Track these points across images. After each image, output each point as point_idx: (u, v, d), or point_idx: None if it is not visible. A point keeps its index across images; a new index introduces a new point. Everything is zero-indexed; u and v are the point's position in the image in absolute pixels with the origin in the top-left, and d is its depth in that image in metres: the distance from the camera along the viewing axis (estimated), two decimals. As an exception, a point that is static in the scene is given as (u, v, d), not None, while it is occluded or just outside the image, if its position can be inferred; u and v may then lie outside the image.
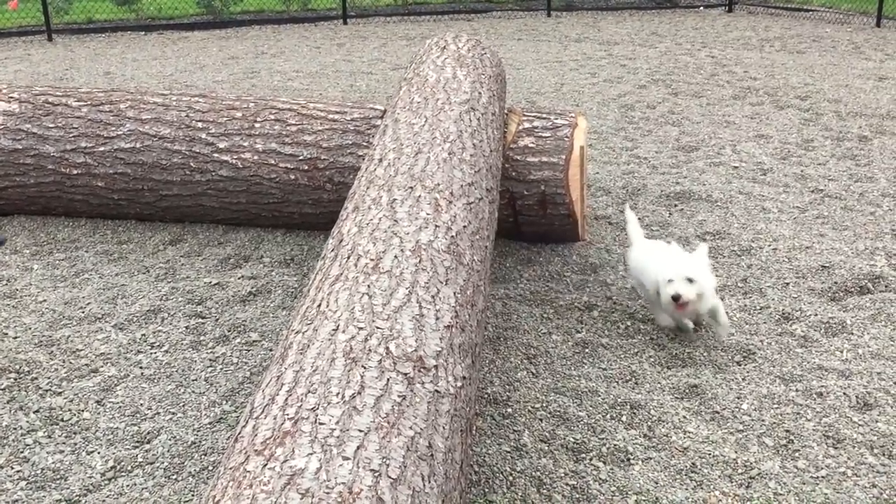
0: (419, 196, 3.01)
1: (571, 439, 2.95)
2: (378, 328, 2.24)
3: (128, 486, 2.70)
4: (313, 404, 1.95)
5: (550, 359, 3.48)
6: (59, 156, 4.60)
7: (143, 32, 12.23)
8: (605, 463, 2.83)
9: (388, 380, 2.07)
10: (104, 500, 2.63)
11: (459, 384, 2.26)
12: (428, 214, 2.90)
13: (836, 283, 4.08)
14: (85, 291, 4.04)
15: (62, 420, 3.05)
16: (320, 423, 1.89)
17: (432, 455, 1.95)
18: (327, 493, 1.69)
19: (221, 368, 3.40)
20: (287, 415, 1.94)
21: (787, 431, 2.95)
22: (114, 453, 2.86)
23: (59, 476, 2.75)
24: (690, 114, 7.44)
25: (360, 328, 2.24)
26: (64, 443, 2.91)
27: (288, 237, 4.67)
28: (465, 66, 4.44)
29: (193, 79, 8.98)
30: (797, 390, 3.22)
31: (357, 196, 3.12)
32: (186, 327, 3.72)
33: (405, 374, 2.11)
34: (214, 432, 2.98)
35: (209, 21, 13.19)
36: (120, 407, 3.13)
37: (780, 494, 2.63)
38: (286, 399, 2.00)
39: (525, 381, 3.31)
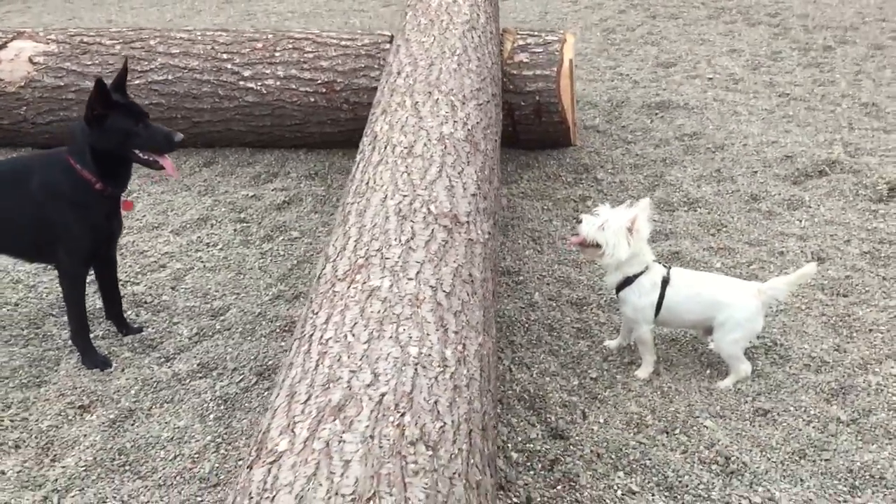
0: (437, 99, 3.54)
1: (574, 296, 3.54)
2: (419, 195, 2.80)
3: (212, 346, 3.28)
4: (378, 247, 2.51)
5: (552, 240, 4.06)
6: (99, 90, 5.06)
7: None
8: (603, 311, 3.42)
9: (432, 230, 2.63)
10: (195, 356, 3.21)
11: (486, 236, 2.83)
12: (447, 113, 3.43)
13: (797, 169, 4.65)
14: (137, 207, 4.55)
15: (146, 303, 3.61)
16: (386, 258, 2.45)
17: (472, 281, 2.52)
18: (399, 300, 2.26)
19: (271, 259, 3.96)
20: (358, 255, 2.50)
21: (755, 278, 3.55)
22: (196, 323, 3.43)
23: (155, 343, 3.32)
24: (668, 34, 7.92)
25: (405, 195, 2.79)
26: (154, 319, 3.48)
27: (310, 155, 5.18)
28: (463, -9, 4.91)
29: (193, 23, 9.34)
30: (763, 251, 3.81)
31: (383, 102, 3.64)
32: (234, 230, 4.26)
33: (445, 226, 2.67)
34: (275, 306, 3.55)
35: (196, -32, 13.39)
36: (192, 291, 3.69)
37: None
38: (355, 246, 2.56)
39: (532, 256, 3.89)
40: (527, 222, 4.22)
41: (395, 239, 2.55)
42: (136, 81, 5.04)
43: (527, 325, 3.34)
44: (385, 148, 3.16)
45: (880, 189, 4.32)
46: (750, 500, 2.43)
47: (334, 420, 1.84)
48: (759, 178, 4.59)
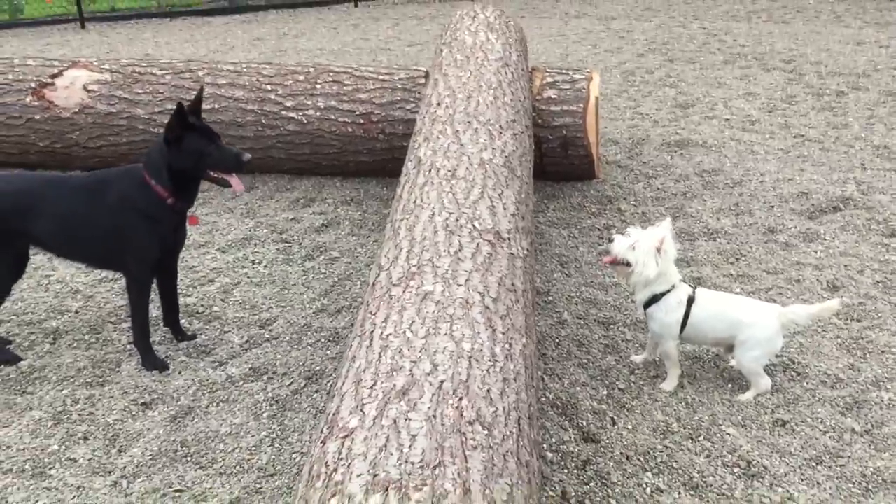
0: (476, 128, 3.79)
1: (602, 316, 3.75)
2: (463, 213, 3.03)
3: (262, 353, 3.50)
4: (429, 257, 2.74)
5: (579, 264, 4.28)
6: (149, 117, 5.36)
7: (168, 19, 12.94)
8: (629, 329, 3.63)
9: (477, 244, 2.86)
10: (246, 362, 3.42)
11: (525, 252, 3.05)
12: (485, 140, 3.68)
13: (812, 204, 4.87)
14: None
15: (198, 313, 3.84)
16: (437, 267, 2.68)
17: (515, 290, 2.75)
18: (451, 302, 2.48)
19: (313, 276, 4.19)
20: (411, 264, 2.73)
21: (773, 303, 3.76)
22: (245, 332, 3.65)
23: (208, 349, 3.54)
24: (685, 77, 8.21)
25: (451, 213, 3.03)
26: (206, 327, 3.71)
27: (345, 182, 5.44)
28: (495, 31, 5.21)
29: (226, 59, 9.71)
30: (781, 279, 4.02)
31: (425, 130, 3.90)
32: (276, 249, 4.51)
33: (489, 241, 2.90)
34: (319, 318, 3.77)
35: (226, 7, 13.89)
36: (240, 303, 3.92)
37: (765, 343, 3.43)
38: (407, 256, 2.79)
39: (560, 279, 4.11)
40: (554, 248, 4.44)
41: (445, 251, 2.77)
42: (184, 109, 5.33)
43: (557, 341, 3.55)
44: (430, 171, 3.40)
45: (892, 224, 4.53)
46: (770, 500, 2.61)
47: (400, 402, 2.05)
48: (775, 212, 4.81)
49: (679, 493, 2.66)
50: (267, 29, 11.98)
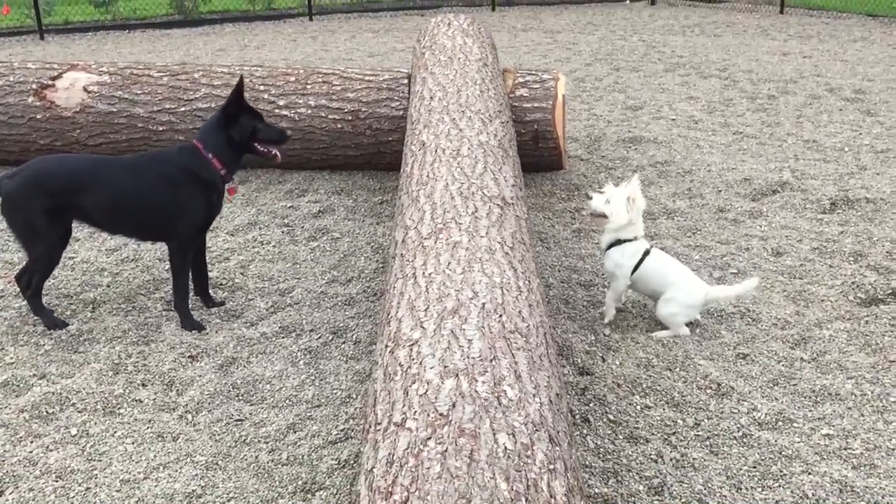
0: (470, 116, 4.30)
1: (582, 279, 4.29)
2: (473, 183, 3.53)
3: (287, 315, 3.92)
4: (452, 216, 3.23)
5: (557, 240, 4.81)
6: (148, 116, 5.72)
7: (127, 31, 13.15)
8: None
9: (489, 207, 3.35)
10: (275, 322, 3.85)
11: (525, 215, 3.57)
12: (480, 126, 4.19)
13: (755, 189, 5.52)
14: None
15: (221, 284, 4.24)
16: (460, 224, 3.16)
17: (524, 243, 3.25)
18: (478, 248, 2.97)
19: (320, 253, 4.63)
20: (436, 223, 3.21)
21: (725, 269, 4.35)
22: (269, 299, 4.07)
23: (238, 313, 3.95)
24: (632, 83, 8.89)
25: (462, 183, 3.52)
26: (232, 296, 4.11)
27: (334, 175, 5.88)
28: (471, 36, 5.75)
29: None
30: (733, 247, 4.62)
31: (423, 119, 4.39)
32: (281, 232, 4.93)
33: (498, 205, 3.40)
34: (332, 287, 4.21)
35: (181, 20, 14.16)
36: (258, 276, 4.33)
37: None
38: (432, 216, 3.27)
39: (542, 252, 4.63)
40: (533, 227, 4.97)
41: (464, 211, 3.26)
42: (182, 109, 5.72)
43: (547, 300, 4.06)
44: (436, 151, 3.89)
45: (824, 203, 5.20)
46: (738, 411, 3.16)
47: (453, 317, 2.52)
48: (723, 195, 5.44)
49: (664, 408, 3.19)
50: (227, 40, 12.33)
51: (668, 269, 3.78)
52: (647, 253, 3.78)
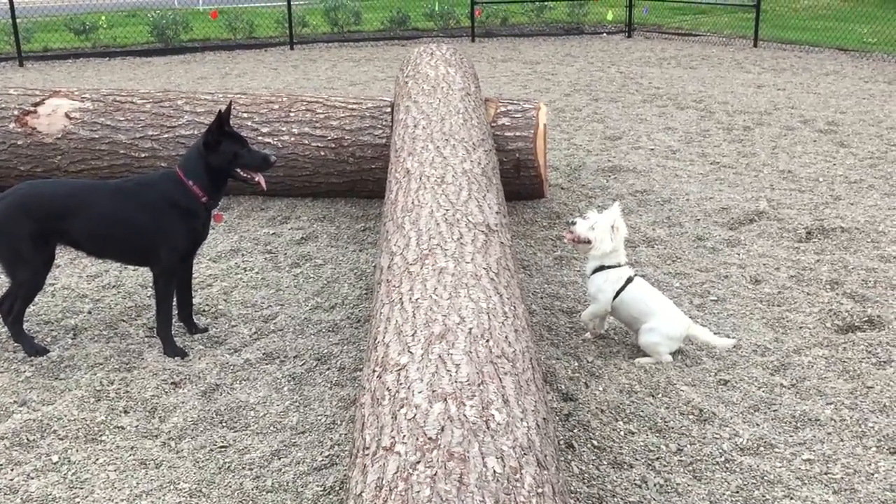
0: (454, 144, 4.35)
1: (564, 306, 4.32)
2: (458, 209, 3.57)
3: (270, 341, 3.92)
4: (437, 242, 3.26)
5: (539, 267, 4.85)
6: (130, 142, 5.72)
7: (108, 58, 13.15)
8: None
9: (474, 233, 3.39)
10: (259, 348, 3.84)
11: (510, 242, 3.60)
12: (464, 154, 4.24)
13: (732, 218, 5.61)
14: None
15: (204, 311, 4.22)
16: (445, 250, 3.19)
17: (508, 269, 3.28)
18: (464, 274, 3.00)
19: (303, 280, 4.63)
20: (422, 249, 3.23)
21: (705, 297, 4.40)
22: (252, 325, 4.07)
23: (221, 339, 3.94)
24: (610, 114, 9.02)
25: (447, 209, 3.55)
26: (214, 322, 4.10)
27: (316, 202, 5.90)
28: (453, 65, 5.82)
29: (172, 96, 10.06)
30: (712, 275, 4.68)
31: (407, 147, 4.43)
32: (264, 258, 4.93)
33: (483, 231, 3.44)
34: (316, 313, 4.21)
35: (162, 48, 14.18)
36: (241, 302, 4.33)
37: (706, 325, 4.06)
38: (417, 242, 3.30)
39: (525, 279, 4.67)
40: (515, 254, 5.00)
41: (449, 237, 3.29)
42: (165, 136, 5.72)
43: (530, 326, 4.08)
44: (420, 178, 3.93)
45: (800, 232, 5.29)
46: (721, 436, 3.19)
47: (441, 342, 2.54)
48: (701, 224, 5.52)
49: (647, 434, 3.21)
50: (208, 69, 12.37)
51: (650, 299, 3.83)
52: (629, 280, 3.83)
